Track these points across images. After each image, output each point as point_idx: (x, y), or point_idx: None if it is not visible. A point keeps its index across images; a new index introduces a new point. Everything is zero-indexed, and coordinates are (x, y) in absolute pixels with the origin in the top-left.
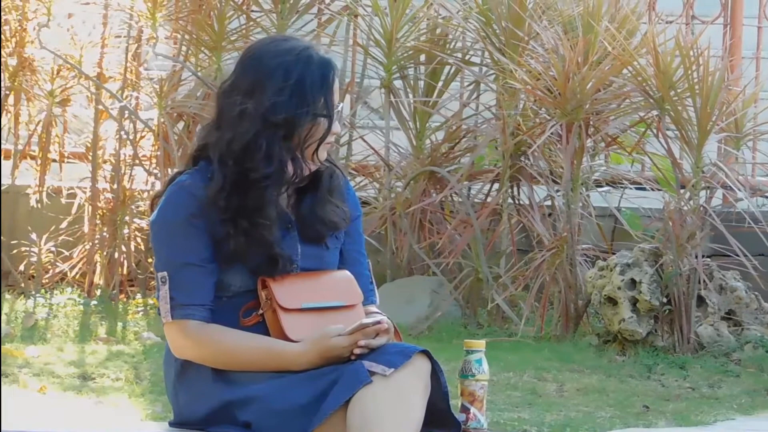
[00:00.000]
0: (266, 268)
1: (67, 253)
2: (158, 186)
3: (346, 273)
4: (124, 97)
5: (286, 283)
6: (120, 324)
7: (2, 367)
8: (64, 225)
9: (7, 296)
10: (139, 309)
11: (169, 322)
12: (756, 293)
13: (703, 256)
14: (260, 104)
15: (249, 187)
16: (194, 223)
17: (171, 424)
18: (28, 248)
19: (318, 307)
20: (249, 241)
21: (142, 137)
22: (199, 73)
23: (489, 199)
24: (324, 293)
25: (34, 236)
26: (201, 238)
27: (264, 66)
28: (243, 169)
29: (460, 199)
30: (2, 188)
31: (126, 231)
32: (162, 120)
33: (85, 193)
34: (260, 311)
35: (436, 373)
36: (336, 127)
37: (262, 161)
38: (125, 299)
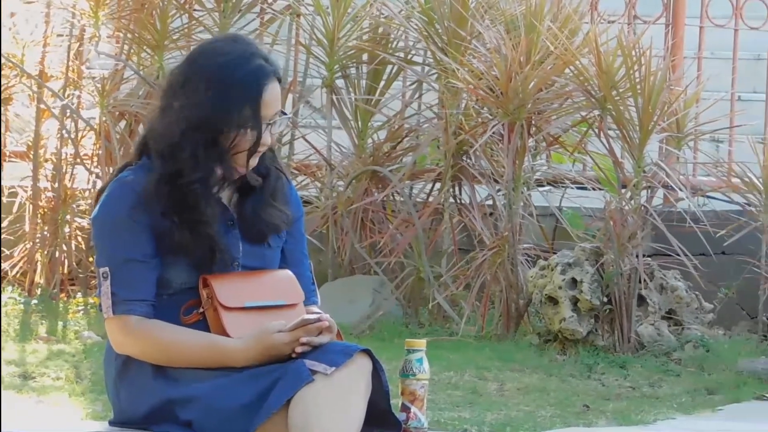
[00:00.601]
0: (207, 263)
1: (7, 252)
2: (99, 185)
3: (288, 272)
4: (65, 95)
5: (227, 281)
6: (61, 323)
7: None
8: (5, 224)
9: None
10: (80, 308)
11: (110, 317)
12: (696, 293)
13: (644, 256)
14: (185, 105)
15: (182, 184)
16: (136, 219)
17: (111, 423)
18: None
19: (260, 306)
20: (191, 234)
21: (83, 136)
22: (141, 72)
23: (431, 199)
24: (266, 292)
25: None
26: (143, 233)
27: (197, 66)
28: (173, 167)
29: (401, 199)
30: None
31: (67, 230)
32: (104, 119)
33: (26, 191)
34: (201, 309)
35: (377, 372)
36: (266, 138)
37: (188, 164)
38: (66, 298)
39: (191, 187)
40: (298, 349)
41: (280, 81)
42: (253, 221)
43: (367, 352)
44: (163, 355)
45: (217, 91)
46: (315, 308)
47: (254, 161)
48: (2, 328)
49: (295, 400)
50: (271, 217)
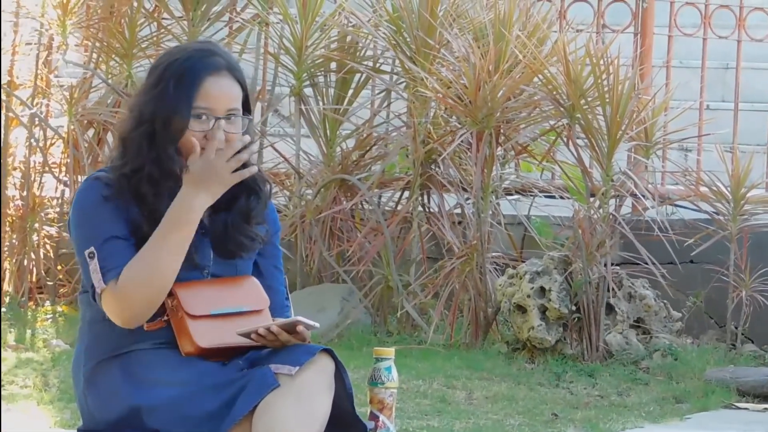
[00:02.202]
0: None
1: None
2: (68, 193)
3: (252, 279)
4: (34, 104)
5: (192, 290)
6: (29, 331)
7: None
8: None
9: None
10: (49, 316)
11: (103, 288)
12: (665, 301)
13: (612, 264)
14: (137, 102)
15: (138, 179)
16: (109, 204)
17: (80, 431)
18: None
19: (226, 313)
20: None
21: (52, 144)
22: (110, 81)
23: (399, 207)
24: (231, 299)
25: None
26: (119, 216)
27: (154, 66)
28: (125, 162)
29: (370, 207)
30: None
31: (35, 238)
32: (72, 127)
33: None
34: (165, 317)
35: (340, 374)
36: (217, 135)
37: (133, 158)
38: (34, 306)
39: (142, 181)
40: (233, 163)
41: (242, 86)
42: (223, 240)
43: (329, 352)
44: (153, 277)
45: (162, 83)
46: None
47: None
48: None
49: (261, 407)
50: (242, 238)
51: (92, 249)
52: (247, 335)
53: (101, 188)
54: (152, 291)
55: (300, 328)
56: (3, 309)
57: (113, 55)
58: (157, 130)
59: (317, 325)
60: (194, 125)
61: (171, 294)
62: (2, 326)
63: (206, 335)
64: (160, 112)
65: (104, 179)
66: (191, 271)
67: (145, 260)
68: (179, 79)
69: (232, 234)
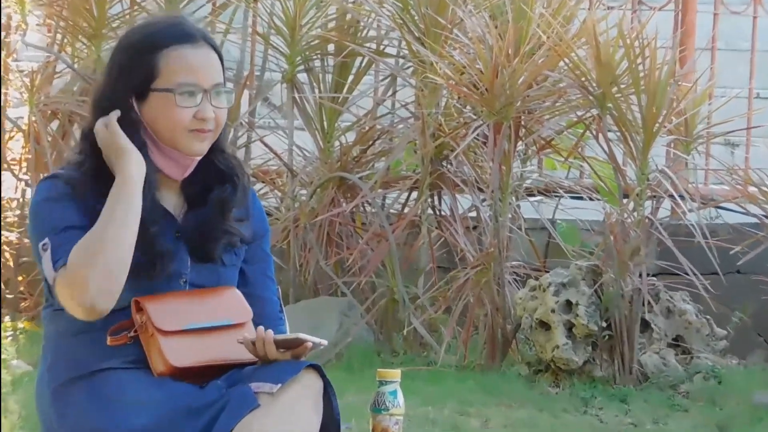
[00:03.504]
0: (148, 273)
1: None
2: (29, 194)
3: (233, 289)
4: None
5: (163, 302)
6: None
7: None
8: None
9: None
10: (9, 334)
11: (54, 277)
12: (707, 317)
13: (648, 275)
14: (99, 85)
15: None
16: (70, 201)
17: None
18: None
19: (202, 328)
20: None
21: (10, 138)
22: (76, 65)
23: (406, 210)
24: (208, 312)
25: None
26: (78, 210)
27: (116, 44)
28: (87, 154)
29: (373, 210)
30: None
31: None
32: (33, 118)
33: None
34: (132, 333)
35: (328, 395)
36: (205, 110)
37: (88, 149)
38: None
39: (106, 180)
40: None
41: (220, 57)
42: (198, 240)
43: (316, 368)
44: (101, 252)
45: (126, 57)
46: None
47: (199, 144)
48: None
49: (239, 427)
50: (219, 235)
51: (46, 240)
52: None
53: (59, 186)
54: (103, 269)
55: (308, 345)
56: None
57: (80, 36)
58: (126, 111)
59: (325, 342)
60: (181, 99)
61: (139, 308)
62: None
63: (180, 353)
64: (126, 86)
65: (63, 178)
66: (168, 281)
67: (91, 236)
68: (148, 46)
69: (208, 231)
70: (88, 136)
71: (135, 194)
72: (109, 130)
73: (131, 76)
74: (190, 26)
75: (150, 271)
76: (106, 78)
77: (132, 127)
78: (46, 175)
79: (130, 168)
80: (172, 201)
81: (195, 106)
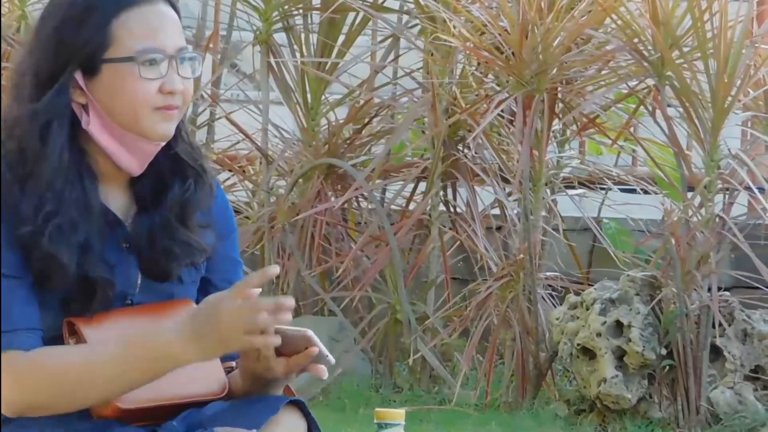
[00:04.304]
0: (83, 301)
1: None
2: None
3: (189, 303)
4: None
5: (104, 325)
6: None
7: None
8: None
9: None
10: None
11: None
12: None
13: (719, 289)
14: (28, 54)
15: (29, 173)
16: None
17: None
18: None
19: None
20: (55, 255)
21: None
22: None
23: (412, 206)
24: None
25: None
26: (9, 244)
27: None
28: (12, 146)
29: (370, 206)
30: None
31: None
32: None
33: None
34: None
35: None
36: (154, 74)
37: (27, 135)
38: None
39: (39, 171)
40: (267, 341)
41: (177, 12)
42: (150, 249)
43: (298, 404)
44: (71, 389)
45: (65, 27)
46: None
47: (165, 125)
48: None
49: None
50: (176, 246)
51: None
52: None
53: None
54: (68, 403)
55: (313, 349)
56: None
57: None
58: (50, 80)
59: (332, 360)
60: (145, 72)
61: (73, 332)
62: None
63: (127, 394)
64: (64, 49)
65: None
66: (108, 304)
67: (79, 382)
68: (92, 12)
69: (162, 242)
70: (15, 129)
71: (166, 370)
72: (242, 318)
73: (75, 47)
74: None
75: (86, 302)
76: (36, 53)
77: (68, 112)
78: None
79: (186, 355)
80: (118, 201)
81: (160, 78)
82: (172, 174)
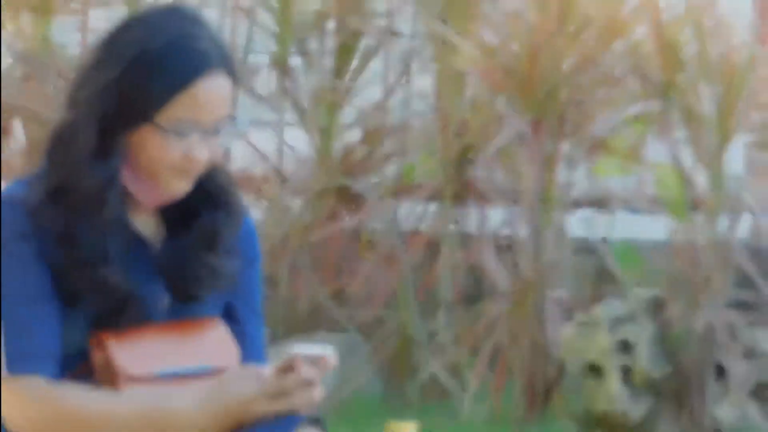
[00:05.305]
0: (113, 320)
1: None
2: None
3: (216, 323)
4: None
5: (130, 340)
6: None
7: None
8: None
9: None
10: None
11: (5, 378)
12: None
13: (724, 308)
14: (89, 94)
15: (71, 203)
16: (28, 246)
17: None
18: None
19: (177, 374)
20: (89, 278)
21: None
22: (18, 46)
23: (423, 226)
24: (185, 353)
25: None
26: (39, 265)
27: (117, 43)
28: (60, 178)
29: (382, 226)
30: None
31: None
32: None
33: None
34: (92, 380)
35: None
36: (198, 152)
37: (76, 173)
38: None
39: (79, 209)
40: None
41: (235, 80)
42: (179, 274)
43: (317, 423)
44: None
45: (130, 73)
46: None
47: (181, 184)
48: None
49: None
50: (204, 272)
51: None
52: None
53: (18, 220)
54: None
55: (299, 364)
56: None
57: (24, 10)
58: (105, 136)
59: (329, 354)
60: (172, 141)
61: (101, 345)
62: None
63: None
64: (117, 111)
65: (23, 203)
66: (139, 318)
67: (90, 427)
68: (153, 75)
69: (190, 266)
70: (57, 145)
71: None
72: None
73: (136, 97)
74: (206, 42)
75: (116, 320)
76: (107, 77)
77: (113, 151)
78: (9, 185)
79: (208, 424)
80: (147, 224)
81: (187, 147)
82: (203, 203)
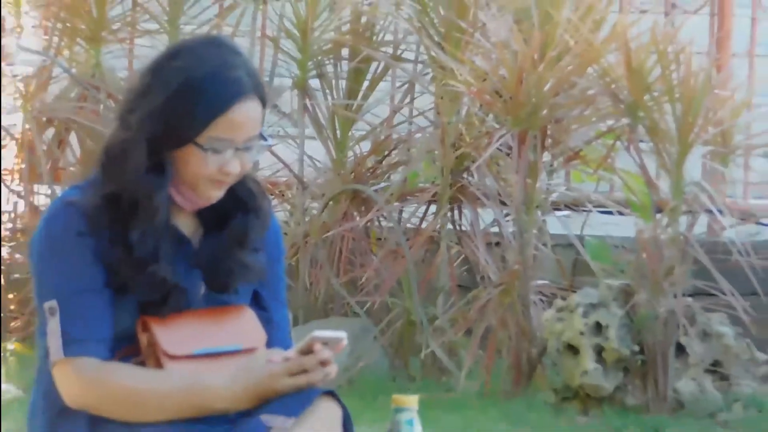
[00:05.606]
0: (157, 307)
1: None
2: (22, 207)
3: (245, 309)
4: None
5: (172, 324)
6: None
7: None
8: None
9: None
10: None
11: (60, 360)
12: (747, 341)
13: (683, 296)
14: (140, 115)
15: (124, 209)
16: (84, 242)
17: None
18: None
19: (212, 353)
20: (139, 272)
21: (3, 147)
22: (73, 70)
23: (424, 225)
24: (219, 335)
25: None
26: (94, 260)
27: (164, 71)
28: (114, 187)
29: (389, 224)
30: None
31: None
32: (27, 126)
33: None
34: (140, 358)
35: (344, 424)
36: (232, 166)
37: (129, 184)
38: None
39: (132, 214)
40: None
41: (264, 103)
42: (214, 267)
43: (332, 395)
44: (128, 407)
45: (176, 99)
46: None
47: (216, 192)
48: None
49: None
50: (236, 266)
51: (53, 304)
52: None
53: (76, 220)
54: (122, 414)
55: (317, 346)
56: None
57: (78, 39)
58: (154, 152)
59: (342, 336)
60: (210, 157)
61: (146, 329)
62: None
63: None
64: (165, 132)
65: (80, 205)
66: (180, 305)
67: (137, 401)
68: (196, 101)
69: (223, 261)
70: (111, 158)
71: (211, 411)
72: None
73: (181, 125)
74: (240, 72)
75: (160, 307)
76: (155, 102)
77: (162, 167)
78: (66, 190)
79: (238, 398)
80: (187, 224)
81: (223, 161)
82: (235, 206)
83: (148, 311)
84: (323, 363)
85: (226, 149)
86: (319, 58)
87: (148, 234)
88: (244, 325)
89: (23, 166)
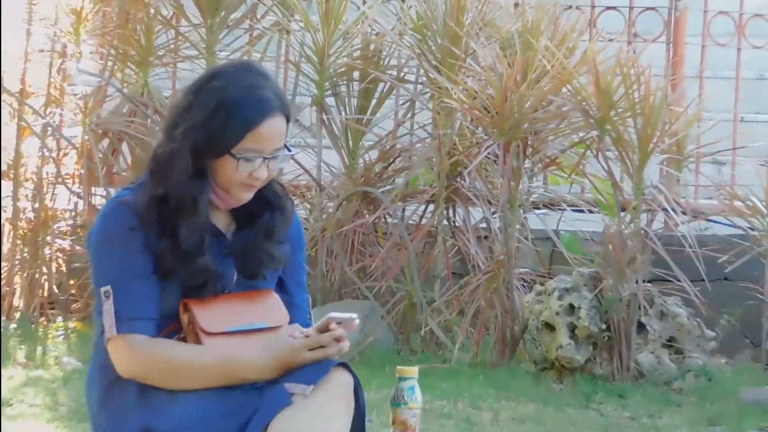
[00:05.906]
0: (198, 291)
1: None
2: (81, 206)
3: (271, 293)
4: (47, 113)
5: (208, 306)
6: (40, 348)
7: None
8: None
9: None
10: (60, 333)
11: (114, 336)
12: (698, 320)
13: (644, 281)
14: (184, 128)
15: (170, 209)
16: (135, 236)
17: None
18: None
19: (243, 330)
20: (183, 262)
21: (65, 155)
22: (125, 90)
23: (423, 221)
24: (248, 315)
25: None
26: (142, 251)
27: (204, 90)
28: (161, 190)
29: (393, 221)
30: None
31: (47, 252)
32: (86, 137)
33: (5, 212)
34: (181, 335)
35: (356, 392)
36: (259, 172)
37: (174, 188)
38: (46, 322)
39: (179, 213)
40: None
41: (288, 119)
42: (245, 257)
43: (345, 365)
44: (173, 376)
45: (214, 116)
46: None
47: (246, 194)
48: None
49: (273, 426)
50: (264, 256)
51: (108, 288)
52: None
53: (128, 216)
54: (167, 383)
55: (332, 325)
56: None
57: (129, 63)
58: (196, 161)
59: (354, 316)
60: (242, 165)
61: (186, 309)
62: (11, 343)
63: None
64: (205, 144)
65: (131, 204)
66: (216, 289)
67: (179, 372)
68: (231, 118)
69: (254, 252)
70: (159, 165)
71: (244, 380)
72: (298, 347)
73: (219, 138)
74: (268, 92)
75: (200, 291)
76: (197, 118)
77: (204, 173)
78: (119, 191)
79: (267, 368)
80: (221, 219)
81: (252, 169)
82: (263, 205)
83: (189, 294)
84: (338, 339)
85: (256, 158)
86: (334, 79)
87: (193, 230)
88: (270, 307)
89: (82, 171)
